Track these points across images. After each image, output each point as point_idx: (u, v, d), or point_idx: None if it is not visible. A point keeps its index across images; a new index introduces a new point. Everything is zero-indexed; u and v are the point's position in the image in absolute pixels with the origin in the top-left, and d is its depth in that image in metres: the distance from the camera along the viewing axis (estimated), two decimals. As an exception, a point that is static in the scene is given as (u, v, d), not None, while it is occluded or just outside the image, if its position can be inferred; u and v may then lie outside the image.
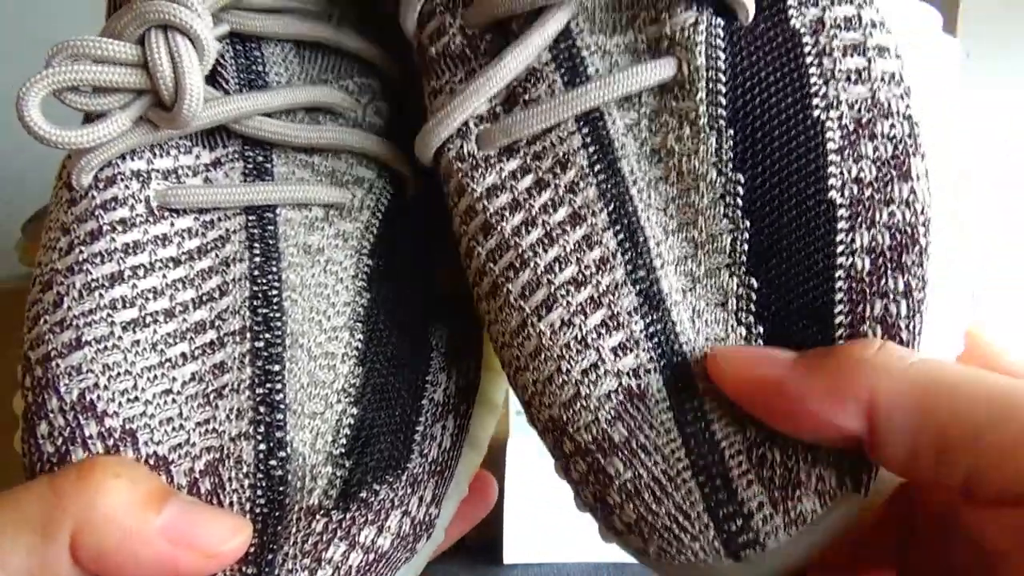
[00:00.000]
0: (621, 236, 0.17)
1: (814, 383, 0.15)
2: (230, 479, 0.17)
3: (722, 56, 0.18)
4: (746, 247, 0.17)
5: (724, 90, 0.17)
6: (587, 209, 0.18)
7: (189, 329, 0.18)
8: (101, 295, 0.18)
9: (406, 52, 0.21)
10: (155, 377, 0.18)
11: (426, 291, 0.21)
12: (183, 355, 0.18)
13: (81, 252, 0.18)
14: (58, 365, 0.18)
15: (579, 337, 0.17)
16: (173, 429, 0.18)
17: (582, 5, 0.18)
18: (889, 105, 0.17)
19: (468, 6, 0.19)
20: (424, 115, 0.22)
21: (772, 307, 0.17)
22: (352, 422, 0.18)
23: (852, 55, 0.17)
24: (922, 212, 0.17)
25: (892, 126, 0.17)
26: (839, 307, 0.16)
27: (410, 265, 0.21)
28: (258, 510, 0.17)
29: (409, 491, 0.18)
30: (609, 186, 0.18)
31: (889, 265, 0.16)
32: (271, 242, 0.19)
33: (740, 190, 0.17)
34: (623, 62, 0.18)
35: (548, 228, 0.18)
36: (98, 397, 0.17)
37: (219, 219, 0.19)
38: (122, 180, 0.19)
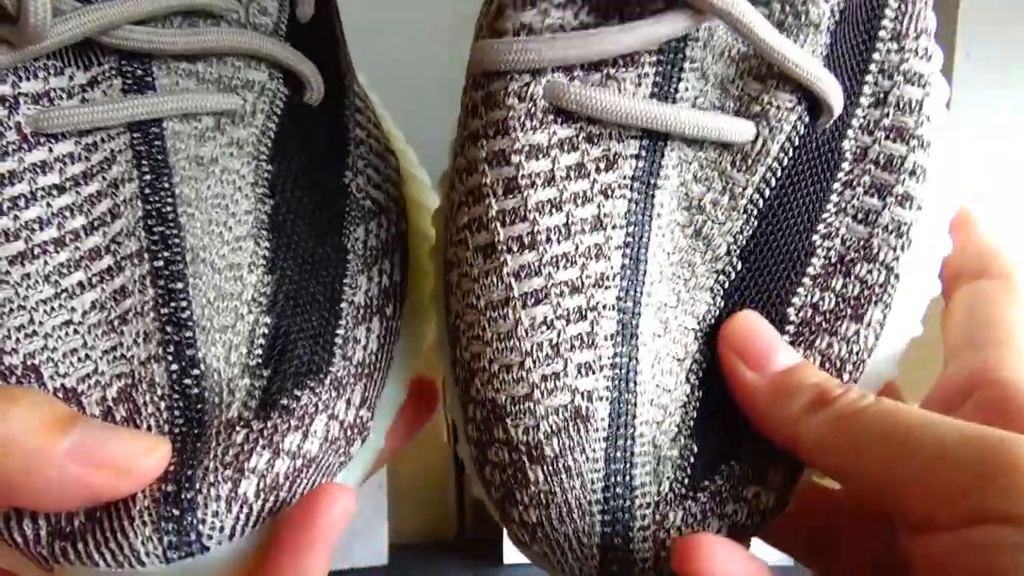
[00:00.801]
0: (626, 261, 0.18)
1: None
2: (145, 403, 0.17)
3: (791, 153, 0.18)
4: (714, 322, 0.18)
5: (774, 184, 0.18)
6: (610, 220, 0.18)
7: (83, 257, 0.17)
8: None
9: None
10: (52, 309, 0.17)
11: (337, 195, 0.20)
12: (80, 284, 0.17)
13: None
14: None
15: (553, 342, 0.17)
16: (79, 360, 0.17)
17: (709, 26, 0.18)
18: (878, 252, 0.18)
19: None
20: (326, 6, 0.21)
21: (714, 377, 0.18)
22: (266, 331, 0.18)
23: (874, 196, 0.19)
24: (856, 354, 0.18)
25: (870, 272, 0.18)
26: None
27: (318, 169, 0.20)
28: (177, 430, 0.17)
29: (334, 395, 0.18)
30: (638, 208, 0.18)
31: None
32: (160, 157, 0.18)
33: (733, 276, 0.18)
34: (712, 95, 0.18)
35: (570, 220, 0.18)
36: None
37: (102, 140, 0.18)
38: None
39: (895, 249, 0.18)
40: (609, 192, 0.18)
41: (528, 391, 0.17)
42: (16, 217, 0.17)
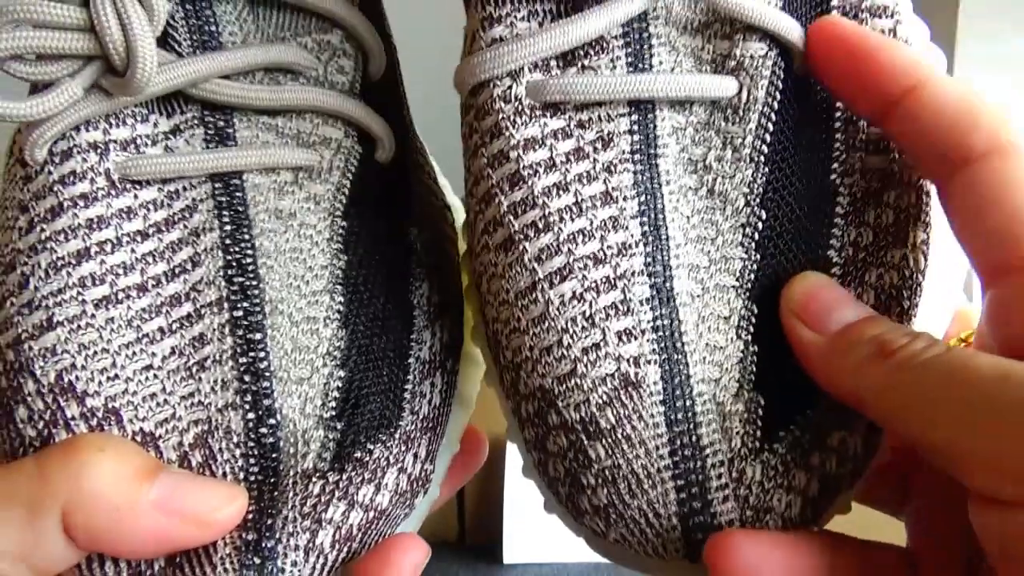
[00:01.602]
0: (646, 228, 0.18)
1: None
2: (220, 450, 0.17)
3: (779, 97, 0.18)
4: (753, 276, 0.18)
5: (772, 128, 0.18)
6: (619, 193, 0.18)
7: (164, 303, 0.18)
8: (69, 273, 0.17)
9: (367, 3, 0.21)
10: (134, 354, 0.17)
11: (404, 251, 0.21)
12: (160, 329, 0.18)
13: (43, 230, 0.18)
14: (31, 348, 0.17)
15: (587, 314, 0.17)
16: (157, 404, 0.17)
17: (664, 3, 0.18)
18: (901, 175, 0.18)
19: None
20: (392, 63, 0.21)
21: (768, 332, 0.18)
22: (340, 385, 0.18)
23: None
24: (910, 278, 0.18)
25: (899, 196, 0.18)
26: None
27: (385, 225, 0.21)
28: (252, 478, 0.17)
29: (403, 448, 0.19)
30: (644, 178, 0.18)
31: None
32: (240, 209, 0.19)
33: (760, 225, 0.18)
34: (687, 64, 0.18)
35: (579, 198, 0.18)
36: (76, 377, 0.17)
37: (184, 188, 0.19)
38: (79, 152, 0.18)
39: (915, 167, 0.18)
40: (612, 168, 0.18)
41: (572, 367, 0.17)
42: (103, 262, 0.18)
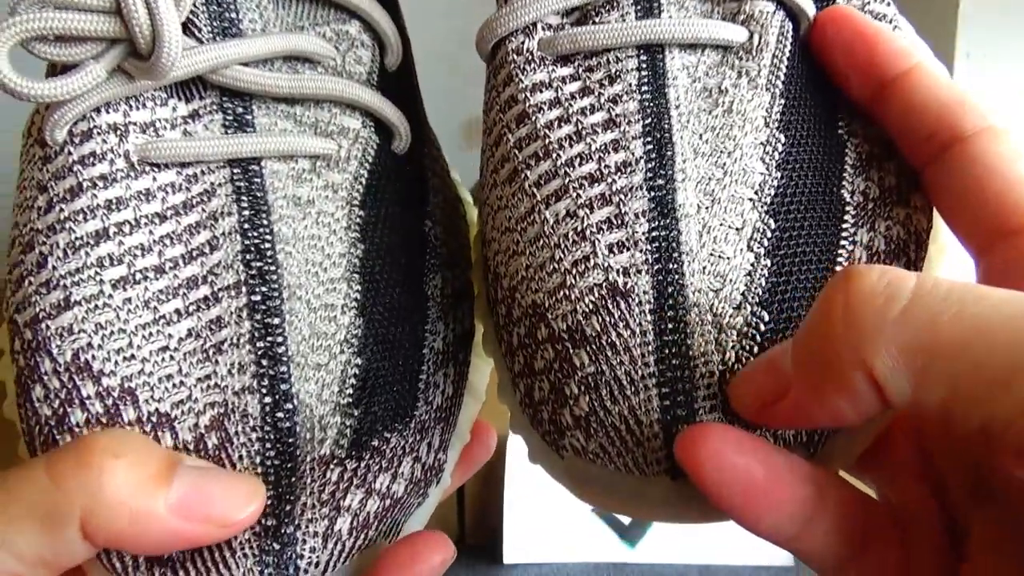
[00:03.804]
0: (650, 147, 0.18)
1: (828, 396, 0.14)
2: (236, 433, 0.17)
3: (788, 49, 0.19)
4: (772, 192, 0.18)
5: (785, 68, 0.19)
6: (623, 118, 0.18)
7: (181, 285, 0.18)
8: (87, 253, 0.17)
9: None
10: (150, 335, 0.17)
11: (419, 241, 0.21)
12: (177, 311, 0.18)
13: (62, 210, 0.18)
14: (48, 327, 0.17)
15: (579, 229, 0.17)
16: (173, 386, 0.17)
17: None
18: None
19: None
20: (407, 56, 0.22)
21: (782, 247, 0.17)
22: (357, 372, 0.18)
23: None
24: (915, 233, 0.18)
25: (900, 164, 0.19)
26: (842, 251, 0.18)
27: (401, 216, 0.21)
28: (269, 463, 0.17)
29: (418, 438, 0.19)
30: (651, 104, 0.18)
31: (883, 262, 0.18)
32: (259, 195, 0.19)
33: (779, 147, 0.18)
34: (696, 17, 0.19)
35: (580, 127, 0.18)
36: (93, 357, 0.17)
37: (202, 173, 0.19)
38: (99, 134, 0.18)
39: None
40: (618, 99, 0.18)
41: (561, 279, 0.17)
42: (121, 243, 0.18)
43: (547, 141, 0.18)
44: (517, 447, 0.40)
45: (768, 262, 0.17)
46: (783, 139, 0.18)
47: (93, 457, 0.15)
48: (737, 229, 0.17)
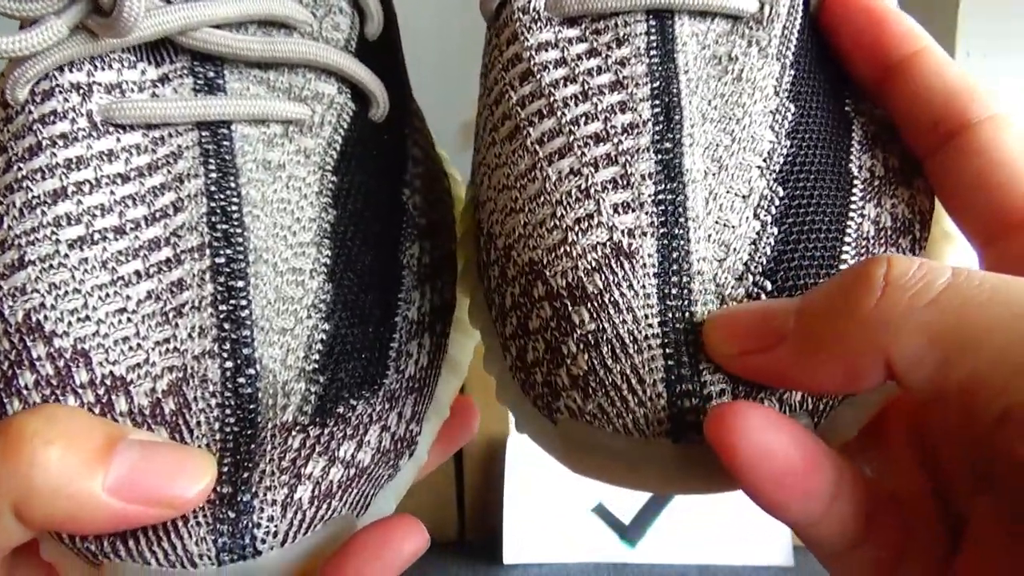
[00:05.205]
0: (657, 110, 0.17)
1: (820, 363, 0.14)
2: (195, 398, 0.16)
3: (799, 22, 0.18)
4: (782, 160, 0.17)
5: (795, 40, 0.18)
6: (631, 81, 0.18)
7: (142, 247, 0.17)
8: (43, 212, 0.17)
9: None
10: (107, 296, 0.17)
11: (396, 210, 0.20)
12: (137, 273, 0.17)
13: (20, 169, 0.17)
14: (1, 287, 0.16)
15: (583, 187, 0.17)
16: (130, 348, 0.17)
17: None
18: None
19: None
20: (390, 27, 0.21)
21: (790, 215, 0.17)
22: (324, 338, 0.17)
23: None
24: (919, 213, 0.18)
25: (902, 148, 0.19)
26: (851, 223, 0.17)
27: (377, 184, 0.20)
28: (228, 429, 0.16)
29: (387, 406, 0.18)
30: (659, 68, 0.18)
31: (890, 238, 0.18)
32: (227, 158, 0.18)
33: (789, 116, 0.18)
34: None
35: (586, 87, 0.18)
36: (45, 317, 0.16)
37: (170, 135, 0.18)
38: (61, 93, 0.18)
39: None
40: (626, 62, 0.18)
41: (563, 236, 0.17)
42: (79, 202, 0.17)
43: (552, 99, 0.18)
44: (517, 447, 0.39)
45: (775, 230, 0.17)
46: (793, 108, 0.18)
47: (23, 444, 0.15)
48: (744, 196, 0.17)
